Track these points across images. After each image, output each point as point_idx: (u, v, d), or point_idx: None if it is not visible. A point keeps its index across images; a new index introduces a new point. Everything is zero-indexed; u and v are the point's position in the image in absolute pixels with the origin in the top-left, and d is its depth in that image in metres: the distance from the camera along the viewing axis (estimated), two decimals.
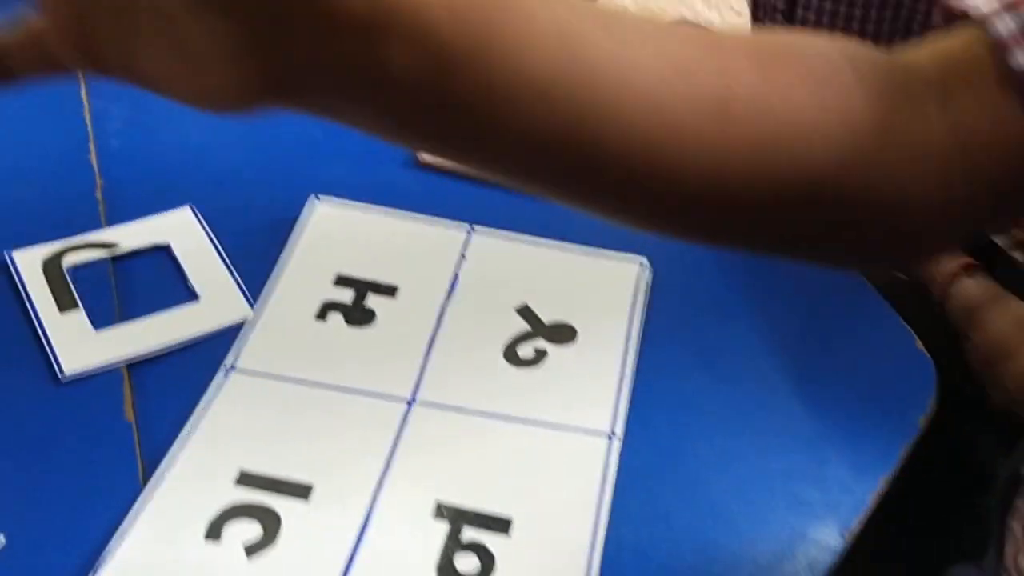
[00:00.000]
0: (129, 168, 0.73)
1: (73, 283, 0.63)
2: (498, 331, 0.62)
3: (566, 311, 0.63)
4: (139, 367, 0.59)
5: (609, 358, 0.60)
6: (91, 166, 0.73)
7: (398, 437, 0.56)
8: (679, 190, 0.33)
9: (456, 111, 0.30)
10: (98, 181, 0.72)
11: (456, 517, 0.52)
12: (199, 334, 0.61)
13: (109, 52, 0.29)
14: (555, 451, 0.56)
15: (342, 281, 0.65)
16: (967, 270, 0.75)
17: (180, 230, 0.67)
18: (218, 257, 0.66)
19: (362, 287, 0.64)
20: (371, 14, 0.27)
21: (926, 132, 0.35)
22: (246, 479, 0.53)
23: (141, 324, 0.62)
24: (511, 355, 0.61)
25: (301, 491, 0.53)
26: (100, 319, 0.62)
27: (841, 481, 0.54)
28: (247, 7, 0.26)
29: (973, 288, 0.74)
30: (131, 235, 0.67)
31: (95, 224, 0.68)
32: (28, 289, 0.63)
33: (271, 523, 0.52)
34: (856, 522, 0.53)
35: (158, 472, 0.53)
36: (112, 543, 0.50)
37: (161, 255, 0.66)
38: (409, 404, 0.58)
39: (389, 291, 0.64)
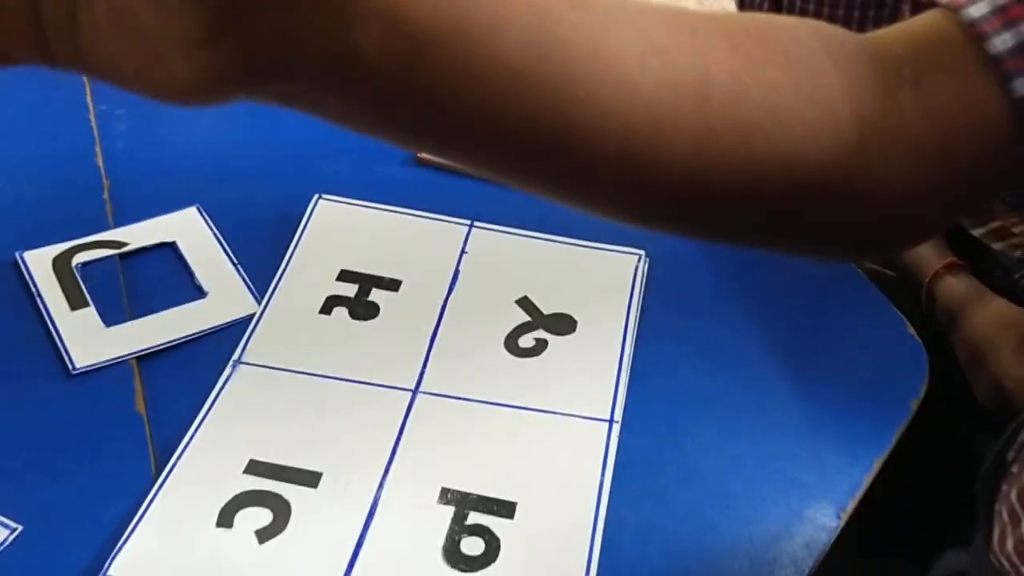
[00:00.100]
0: (135, 170, 0.74)
1: (83, 282, 0.65)
2: (499, 322, 0.63)
3: (565, 302, 0.64)
4: (149, 361, 0.61)
5: (608, 347, 0.62)
6: (98, 168, 0.74)
7: (403, 425, 0.57)
8: (658, 177, 0.33)
9: (431, 96, 0.29)
10: (105, 183, 0.73)
11: (461, 501, 0.53)
12: (207, 329, 0.63)
13: (60, 43, 0.27)
14: (556, 437, 0.57)
15: (346, 276, 0.66)
16: (951, 269, 0.77)
17: (186, 229, 0.69)
18: (224, 255, 0.67)
19: (366, 282, 0.66)
20: (339, 13, 0.26)
21: (900, 115, 0.36)
22: (255, 468, 0.55)
23: (150, 320, 0.63)
24: (512, 345, 0.62)
25: (310, 478, 0.54)
26: (110, 316, 0.63)
27: (836, 463, 0.56)
28: None
29: (956, 287, 0.76)
30: (139, 234, 0.68)
31: (103, 225, 0.69)
32: (39, 288, 0.64)
33: (281, 509, 0.53)
34: (851, 502, 0.54)
35: (170, 462, 0.55)
36: (127, 531, 0.51)
37: (168, 253, 0.68)
38: (413, 394, 0.59)
39: (392, 285, 0.66)
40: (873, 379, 0.60)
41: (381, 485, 0.54)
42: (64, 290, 0.64)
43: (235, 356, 0.61)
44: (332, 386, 0.60)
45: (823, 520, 0.53)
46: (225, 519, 0.52)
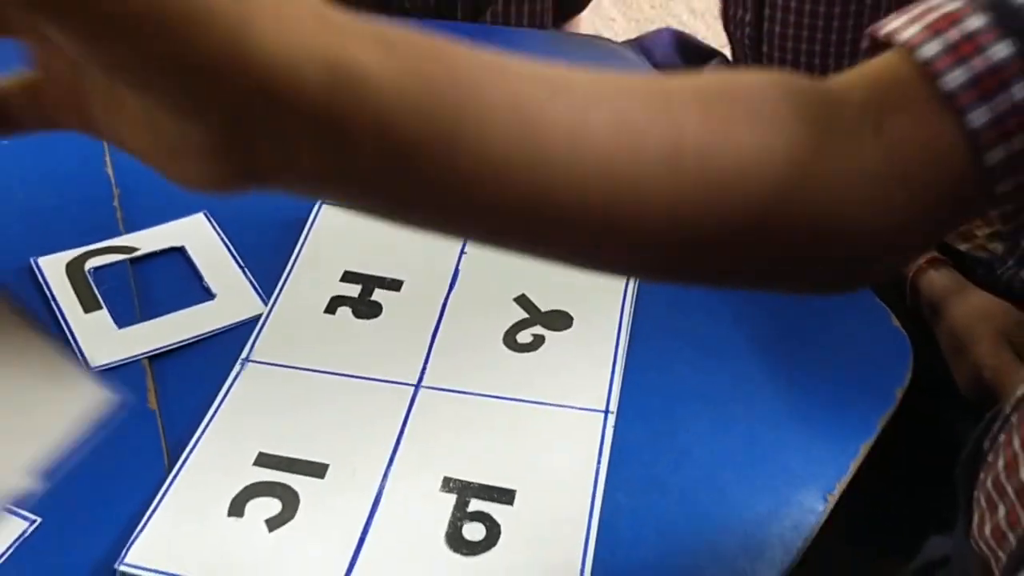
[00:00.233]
0: (143, 179, 0.75)
1: (95, 286, 0.67)
2: (498, 319, 0.65)
3: (562, 299, 0.67)
4: (160, 361, 0.63)
5: (603, 341, 0.64)
6: (108, 178, 0.76)
7: (406, 418, 0.59)
8: (639, 238, 0.35)
9: (422, 190, 0.31)
10: (115, 191, 0.75)
11: (463, 490, 0.56)
12: (216, 329, 0.65)
13: (100, 122, 0.30)
14: (554, 427, 0.59)
15: (349, 277, 0.68)
16: (933, 264, 0.79)
17: (195, 234, 0.71)
18: (231, 258, 0.70)
19: (368, 282, 0.68)
20: (329, 116, 0.28)
21: (862, 157, 0.37)
22: (264, 460, 0.57)
23: (161, 321, 0.65)
24: (511, 341, 0.64)
25: (317, 470, 0.57)
26: (122, 318, 0.65)
27: (823, 449, 0.58)
28: (210, 114, 0.27)
29: (939, 280, 0.78)
30: (149, 240, 0.71)
31: (114, 231, 0.72)
32: (54, 292, 0.66)
33: (290, 499, 0.55)
34: (838, 487, 0.56)
35: (183, 455, 0.57)
36: (142, 521, 0.53)
37: (177, 258, 0.70)
38: (416, 388, 0.61)
39: (394, 285, 0.68)
40: (859, 369, 0.62)
41: (385, 475, 0.56)
42: (78, 294, 0.67)
43: (243, 355, 0.63)
44: (337, 382, 0.62)
45: (811, 503, 0.55)
46: (236, 509, 0.54)
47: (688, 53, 1.11)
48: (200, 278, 0.68)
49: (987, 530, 0.45)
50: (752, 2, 0.96)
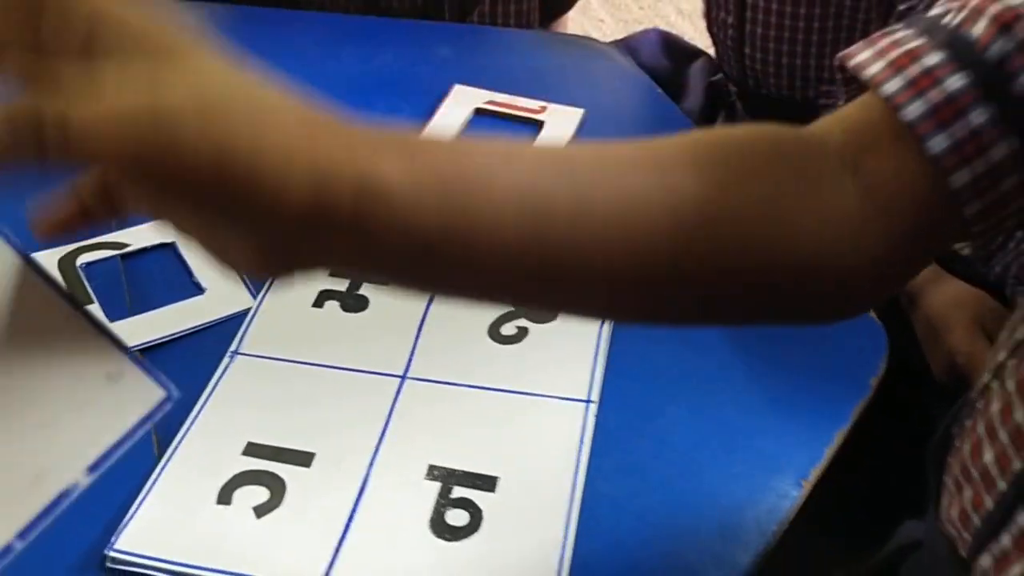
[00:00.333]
0: None
1: (87, 280, 0.68)
2: (482, 312, 0.67)
3: None
4: (151, 353, 0.64)
5: (586, 332, 0.65)
6: None
7: (392, 408, 0.61)
8: (642, 295, 0.38)
9: (443, 274, 0.35)
10: None
11: (447, 477, 0.57)
12: (205, 323, 0.66)
13: (164, 218, 0.33)
14: (537, 416, 0.60)
15: (338, 271, 0.69)
16: None
17: None
18: None
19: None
20: (358, 225, 0.31)
21: (845, 199, 0.40)
22: (253, 450, 0.58)
23: (152, 316, 0.66)
24: (495, 333, 0.66)
25: (304, 458, 0.58)
26: (113, 312, 0.66)
27: (799, 436, 0.59)
28: (254, 236, 0.31)
29: None
30: (139, 236, 0.72)
31: (105, 227, 0.73)
32: None
33: (277, 487, 0.56)
34: (812, 473, 0.57)
35: (172, 445, 0.58)
36: (131, 510, 0.55)
37: (168, 253, 0.71)
38: (402, 379, 0.63)
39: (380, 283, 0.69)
40: (835, 359, 0.64)
41: (371, 464, 0.58)
42: (69, 287, 0.68)
43: (232, 347, 0.64)
44: (325, 373, 0.63)
45: (785, 488, 0.56)
46: (225, 497, 0.56)
47: (674, 53, 1.13)
48: (190, 273, 0.70)
49: (954, 513, 0.47)
50: (734, 5, 0.98)
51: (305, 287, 0.68)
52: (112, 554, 0.52)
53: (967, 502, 0.46)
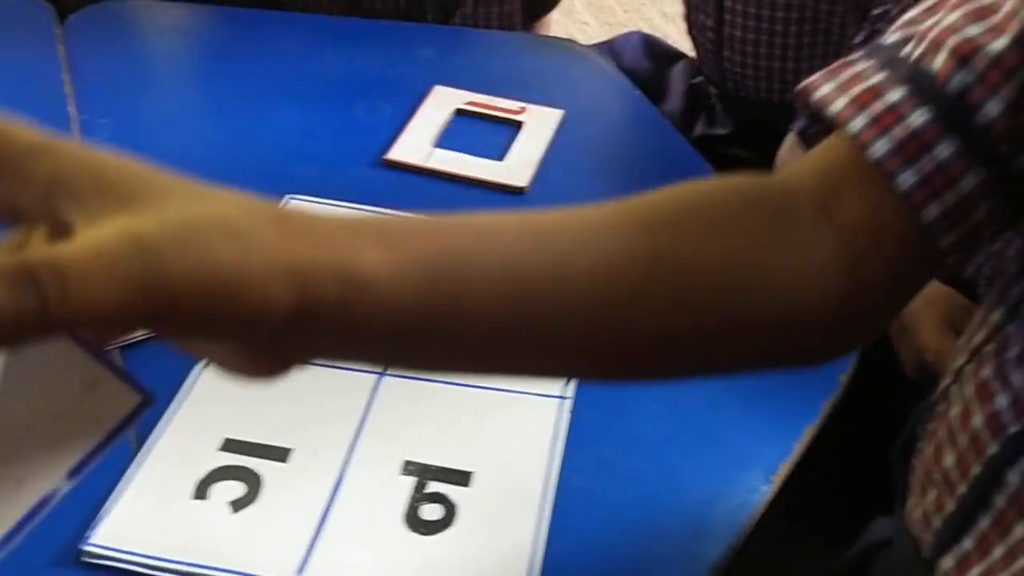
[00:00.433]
0: None
1: None
2: None
3: None
4: (131, 349, 0.65)
5: None
6: None
7: (369, 404, 0.61)
8: (625, 354, 0.39)
9: (430, 353, 0.35)
10: None
11: (422, 472, 0.58)
12: None
13: (170, 336, 0.33)
14: (512, 413, 0.61)
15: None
16: None
17: None
18: None
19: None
20: (344, 317, 0.32)
21: (822, 246, 0.40)
22: (230, 445, 0.59)
23: None
24: None
25: (280, 454, 0.58)
26: None
27: (768, 431, 0.60)
28: (248, 345, 0.32)
29: None
30: None
31: None
32: None
33: (253, 482, 0.57)
34: (782, 468, 0.58)
35: (149, 441, 0.59)
36: (108, 504, 0.55)
37: None
38: (379, 375, 0.63)
39: None
40: None
41: (347, 459, 0.58)
42: None
43: None
44: (302, 370, 0.63)
45: (755, 483, 0.57)
46: (201, 491, 0.56)
47: (656, 56, 1.14)
48: None
49: (917, 514, 0.47)
50: (713, 8, 0.99)
51: None
52: (88, 548, 0.53)
53: (930, 504, 0.46)
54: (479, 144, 0.82)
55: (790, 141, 0.84)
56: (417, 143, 0.82)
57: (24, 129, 0.30)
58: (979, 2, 0.41)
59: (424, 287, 0.33)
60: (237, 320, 0.29)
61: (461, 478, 0.57)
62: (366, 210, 0.75)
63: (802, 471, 0.60)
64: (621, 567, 0.55)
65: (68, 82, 0.87)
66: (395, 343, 0.34)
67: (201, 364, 0.63)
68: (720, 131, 1.05)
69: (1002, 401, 0.42)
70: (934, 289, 0.77)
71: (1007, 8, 0.40)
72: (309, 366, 0.34)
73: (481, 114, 0.86)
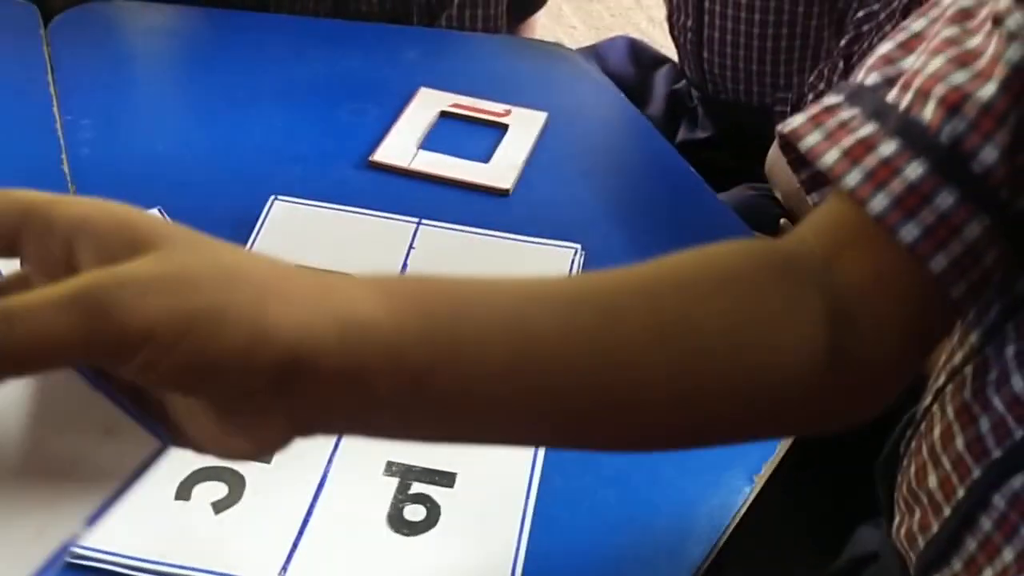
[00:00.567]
0: (99, 176, 0.78)
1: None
2: None
3: None
4: None
5: None
6: (64, 175, 0.78)
7: None
8: (635, 416, 0.38)
9: (434, 409, 0.34)
10: (71, 188, 0.77)
11: (405, 473, 0.58)
12: None
13: (159, 382, 0.31)
14: None
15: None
16: None
17: None
18: None
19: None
20: (347, 364, 0.31)
21: (825, 303, 0.40)
22: None
23: None
24: None
25: None
26: None
27: None
28: (253, 396, 0.30)
29: None
30: None
31: None
32: None
33: (236, 483, 0.57)
34: (764, 468, 0.59)
35: None
36: None
37: None
38: None
39: None
40: None
41: (330, 460, 0.58)
42: None
43: None
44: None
45: (738, 484, 0.58)
46: (183, 492, 0.56)
47: (641, 60, 1.14)
48: None
49: (903, 532, 0.47)
50: (693, 9, 0.99)
51: None
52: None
53: (915, 523, 0.46)
54: (464, 146, 0.82)
55: (778, 149, 0.84)
56: (402, 145, 0.82)
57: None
58: (961, 47, 0.40)
59: (425, 334, 0.33)
60: (221, 358, 0.29)
61: (444, 479, 0.57)
62: (351, 211, 0.75)
63: (785, 472, 0.60)
64: (604, 567, 0.55)
65: (52, 83, 0.87)
66: (397, 395, 0.33)
67: None
68: (701, 135, 1.06)
69: (984, 425, 0.41)
70: None
71: (990, 52, 0.40)
72: (313, 436, 0.33)
73: (466, 116, 0.86)
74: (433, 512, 0.56)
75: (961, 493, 0.42)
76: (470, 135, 0.84)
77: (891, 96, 0.41)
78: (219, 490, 0.56)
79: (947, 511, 0.43)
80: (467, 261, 0.72)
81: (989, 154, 0.39)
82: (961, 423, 0.42)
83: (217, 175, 0.78)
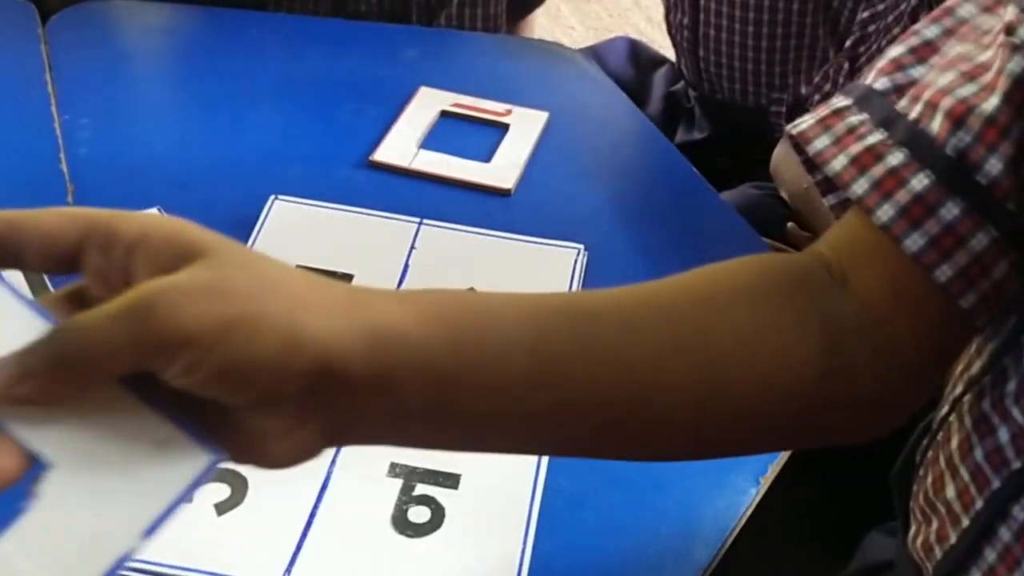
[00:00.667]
0: (98, 175, 0.78)
1: (49, 281, 0.68)
2: None
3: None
4: None
5: None
6: (62, 174, 0.77)
7: None
8: (659, 427, 0.39)
9: (463, 411, 0.35)
10: (69, 187, 0.76)
11: (409, 474, 0.57)
12: None
13: (197, 383, 0.32)
14: None
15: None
16: None
17: None
18: None
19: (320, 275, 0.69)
20: (377, 371, 0.32)
21: (841, 319, 0.40)
22: None
23: None
24: None
25: None
26: None
27: None
28: (288, 402, 0.32)
29: None
30: None
31: None
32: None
33: (239, 484, 0.56)
34: (770, 469, 0.58)
35: None
36: None
37: None
38: None
39: (346, 279, 0.69)
40: None
41: (333, 461, 0.58)
42: (33, 291, 0.67)
43: None
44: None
45: (744, 486, 0.57)
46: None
47: (640, 61, 1.14)
48: None
49: (919, 542, 0.47)
50: (689, 7, 0.99)
51: None
52: None
53: (932, 533, 0.46)
54: (464, 146, 0.82)
55: (784, 149, 0.84)
56: (402, 144, 0.81)
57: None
58: (973, 61, 0.41)
59: (451, 342, 0.34)
60: (257, 362, 0.30)
61: (449, 480, 0.57)
62: (351, 211, 0.74)
63: (790, 474, 0.60)
64: (609, 569, 0.55)
65: (50, 82, 0.87)
66: (424, 403, 0.34)
67: None
68: (698, 136, 1.06)
69: (1003, 435, 0.41)
70: None
71: (997, 65, 0.40)
72: (344, 443, 0.35)
73: (467, 116, 0.85)
74: (437, 514, 0.55)
75: (980, 504, 0.42)
76: (471, 135, 0.84)
77: (900, 105, 0.41)
78: (222, 491, 0.56)
79: (965, 521, 0.43)
80: (469, 261, 0.71)
81: (994, 166, 0.39)
82: (980, 433, 0.42)
83: (217, 175, 0.78)
